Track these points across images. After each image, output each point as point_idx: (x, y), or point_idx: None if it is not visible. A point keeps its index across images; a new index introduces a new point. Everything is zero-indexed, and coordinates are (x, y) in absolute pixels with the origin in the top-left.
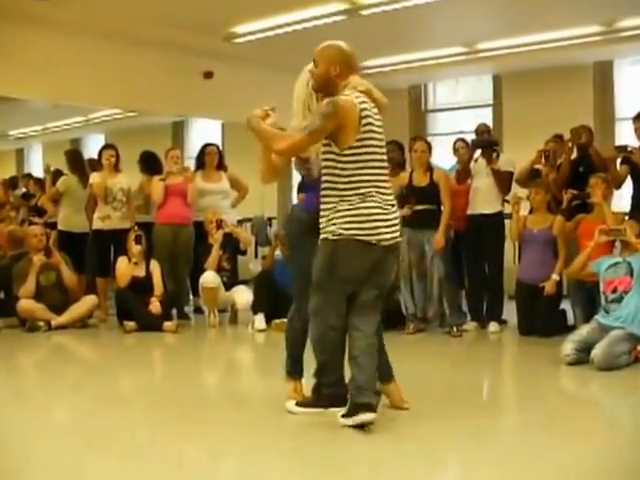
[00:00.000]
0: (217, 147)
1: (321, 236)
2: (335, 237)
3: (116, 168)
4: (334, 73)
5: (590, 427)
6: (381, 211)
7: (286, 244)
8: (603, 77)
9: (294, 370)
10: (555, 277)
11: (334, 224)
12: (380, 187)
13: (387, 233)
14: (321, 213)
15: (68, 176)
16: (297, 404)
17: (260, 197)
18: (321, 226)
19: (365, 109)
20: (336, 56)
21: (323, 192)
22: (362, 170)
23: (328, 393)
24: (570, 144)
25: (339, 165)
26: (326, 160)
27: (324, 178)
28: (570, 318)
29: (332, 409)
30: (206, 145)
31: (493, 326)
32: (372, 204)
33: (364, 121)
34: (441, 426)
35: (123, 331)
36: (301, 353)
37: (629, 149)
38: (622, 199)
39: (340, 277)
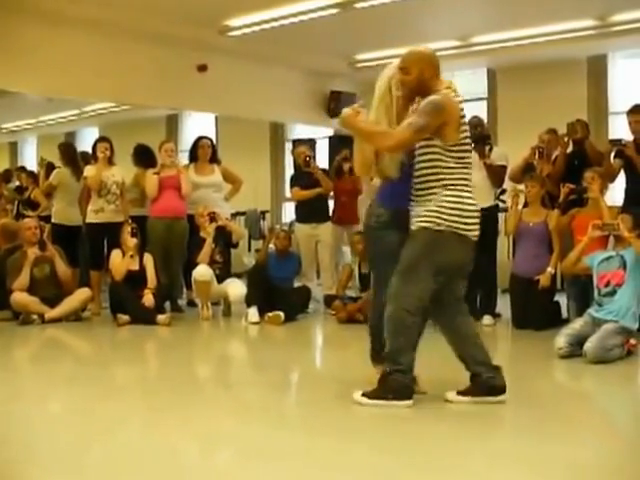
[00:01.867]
0: (210, 140)
1: (419, 224)
2: (439, 228)
3: (110, 161)
4: (427, 76)
5: (583, 419)
6: (475, 207)
7: (364, 238)
8: (597, 71)
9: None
10: (550, 270)
11: (437, 215)
12: (470, 184)
13: (477, 230)
14: (417, 203)
15: (61, 169)
16: (364, 395)
17: (253, 191)
18: (418, 214)
19: (462, 108)
20: (427, 59)
21: (422, 184)
22: (463, 166)
23: (395, 384)
24: (566, 138)
25: (444, 158)
26: (427, 154)
27: (424, 171)
28: (564, 311)
29: (396, 402)
30: (199, 138)
31: (487, 319)
32: (470, 200)
33: (462, 120)
34: (435, 422)
35: (116, 324)
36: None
37: (623, 143)
38: (614, 193)
39: (437, 266)
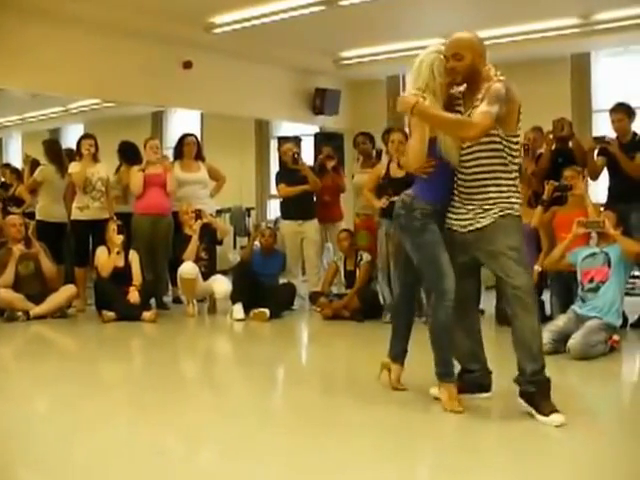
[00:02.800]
0: (195, 137)
1: (506, 211)
2: (516, 213)
3: (95, 158)
4: (477, 62)
5: (567, 415)
6: None
7: (406, 235)
8: (580, 69)
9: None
10: (537, 268)
11: (512, 202)
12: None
13: None
14: (486, 190)
15: (46, 166)
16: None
17: (239, 188)
18: (494, 206)
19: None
20: (479, 46)
21: (487, 173)
22: (517, 155)
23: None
24: (551, 136)
25: (505, 150)
26: (490, 143)
27: (488, 160)
28: (547, 308)
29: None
30: (185, 135)
31: None
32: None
33: (521, 110)
34: (422, 415)
35: (102, 321)
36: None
37: (607, 140)
38: (598, 190)
39: (521, 248)
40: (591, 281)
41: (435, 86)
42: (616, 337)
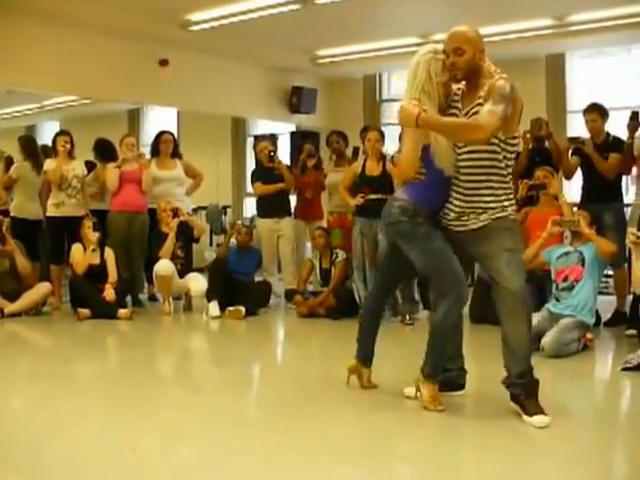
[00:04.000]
0: (172, 135)
1: (499, 214)
2: (513, 216)
3: (70, 155)
4: (478, 57)
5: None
6: None
7: (411, 242)
8: (555, 69)
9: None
10: None
11: (506, 206)
12: None
13: None
14: (482, 193)
15: (21, 163)
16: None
17: (215, 185)
18: (489, 208)
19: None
20: (480, 41)
21: (483, 175)
22: (514, 158)
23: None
24: (529, 135)
25: (503, 152)
26: (487, 145)
27: (478, 161)
28: None
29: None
30: (161, 133)
31: None
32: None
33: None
34: (398, 414)
35: (77, 318)
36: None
37: (582, 140)
38: (572, 190)
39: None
40: (565, 280)
41: (431, 88)
42: (589, 335)
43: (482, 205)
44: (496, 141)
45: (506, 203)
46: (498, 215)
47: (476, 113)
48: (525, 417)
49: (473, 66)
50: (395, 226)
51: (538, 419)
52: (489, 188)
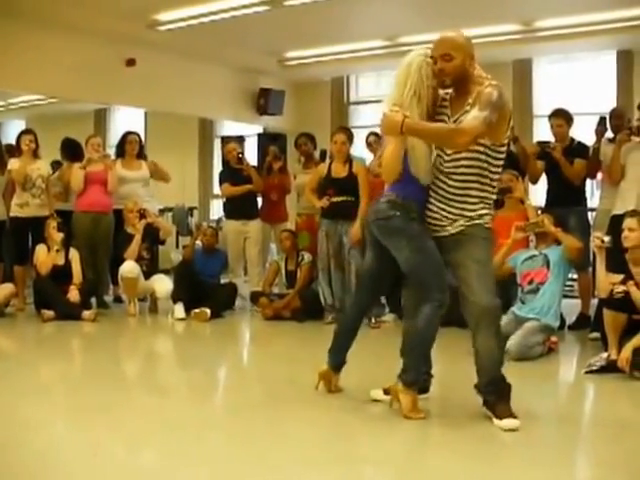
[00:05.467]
0: (138, 135)
1: (475, 222)
2: (487, 225)
3: (35, 154)
4: (467, 64)
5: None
6: None
7: (401, 238)
8: (522, 74)
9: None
10: None
11: (482, 214)
12: None
13: None
14: (464, 200)
15: None
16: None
17: (181, 187)
18: (468, 215)
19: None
20: (469, 47)
21: (466, 183)
22: (500, 166)
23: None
24: None
25: (488, 159)
26: (472, 151)
27: (465, 169)
28: None
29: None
30: (127, 133)
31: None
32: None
33: (510, 118)
34: (360, 419)
35: (41, 320)
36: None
37: (551, 145)
38: (537, 194)
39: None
40: (530, 283)
41: (423, 90)
42: (554, 339)
43: (460, 212)
44: (481, 148)
45: (483, 211)
46: (469, 223)
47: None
48: (495, 421)
49: (462, 72)
50: (386, 221)
51: (508, 422)
52: (469, 195)
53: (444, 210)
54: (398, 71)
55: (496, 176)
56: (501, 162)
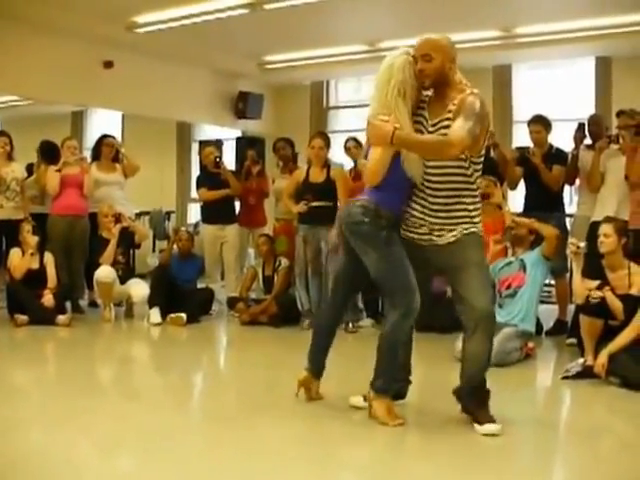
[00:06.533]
0: (114, 138)
1: (470, 229)
2: (481, 233)
3: (10, 157)
4: (447, 66)
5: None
6: None
7: (370, 245)
8: (502, 80)
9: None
10: None
11: (475, 222)
12: None
13: None
14: (453, 208)
15: None
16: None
17: (159, 191)
18: (459, 224)
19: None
20: (451, 50)
21: (451, 191)
22: (479, 175)
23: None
24: None
25: (471, 168)
26: (457, 160)
27: (449, 177)
28: None
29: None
30: (103, 136)
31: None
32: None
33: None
34: (338, 425)
35: (14, 325)
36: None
37: (531, 151)
38: (515, 199)
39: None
40: (508, 287)
41: (408, 89)
42: (531, 344)
43: (454, 221)
44: (464, 156)
45: (477, 220)
46: (466, 232)
47: (445, 127)
48: (476, 426)
49: (441, 75)
50: (356, 226)
51: (488, 427)
52: (461, 204)
53: (436, 221)
54: (380, 72)
55: (477, 185)
56: (479, 172)
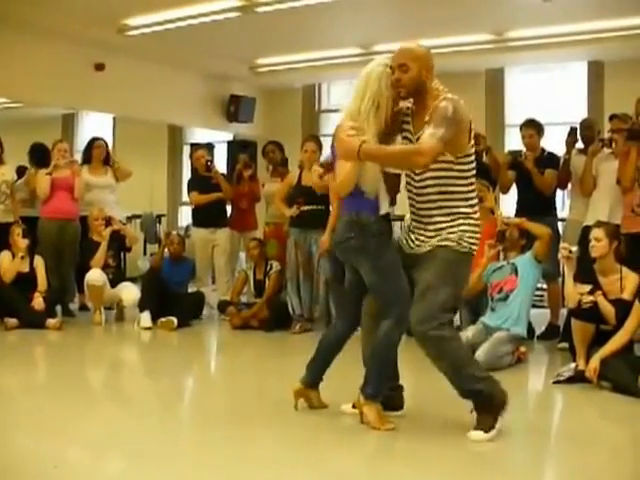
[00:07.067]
0: (105, 142)
1: (442, 243)
2: (464, 250)
3: (0, 159)
4: (424, 75)
5: (468, 426)
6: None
7: (363, 258)
8: (494, 84)
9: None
10: None
11: (460, 236)
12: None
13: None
14: (432, 220)
15: None
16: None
17: (150, 194)
18: (436, 235)
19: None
20: (428, 59)
21: (432, 202)
22: (472, 176)
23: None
24: None
25: (454, 173)
26: (437, 170)
27: (431, 189)
28: (456, 319)
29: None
30: (94, 139)
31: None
32: (477, 215)
33: (472, 127)
34: (329, 432)
35: (4, 328)
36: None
37: (524, 155)
38: (507, 204)
39: (457, 287)
40: (500, 291)
41: (382, 100)
42: (523, 349)
43: (432, 228)
44: (445, 165)
45: (459, 228)
46: (445, 243)
47: None
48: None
49: (418, 84)
50: (344, 244)
51: (475, 434)
52: (439, 215)
53: (417, 228)
54: (357, 81)
55: (471, 187)
56: (471, 172)
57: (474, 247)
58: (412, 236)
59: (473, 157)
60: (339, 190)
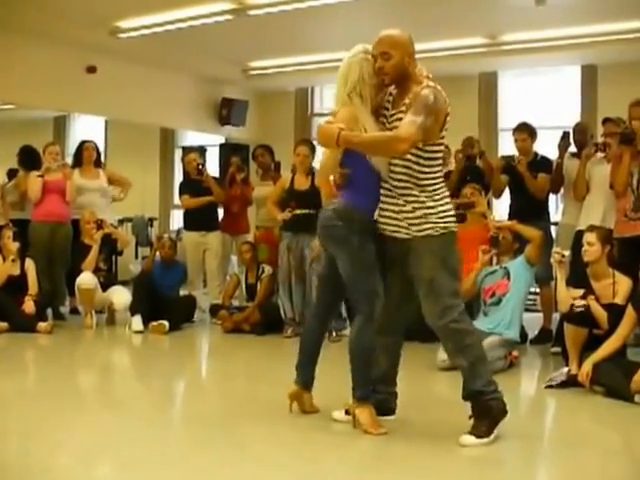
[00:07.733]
0: (95, 144)
1: (418, 233)
2: (442, 231)
3: None
4: (406, 62)
5: (461, 431)
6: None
7: (343, 249)
8: (488, 87)
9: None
10: None
11: (434, 220)
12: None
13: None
14: (402, 209)
15: None
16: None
17: (141, 197)
18: (410, 223)
19: (446, 100)
20: (409, 45)
21: (402, 189)
22: (438, 164)
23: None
24: (461, 155)
25: (422, 161)
26: (405, 157)
27: (400, 176)
28: None
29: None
30: (83, 142)
31: None
32: (445, 193)
33: (448, 117)
34: (320, 437)
35: None
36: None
37: (517, 159)
38: (500, 208)
39: (452, 269)
40: (493, 296)
41: (364, 89)
42: (515, 353)
43: (403, 214)
44: (413, 150)
45: (429, 217)
46: (425, 233)
47: (398, 119)
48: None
49: (401, 71)
50: (329, 229)
51: (465, 438)
52: (408, 196)
53: (390, 210)
54: (340, 69)
55: (437, 176)
56: (437, 162)
57: (451, 225)
58: (385, 217)
59: (441, 147)
60: (318, 179)
